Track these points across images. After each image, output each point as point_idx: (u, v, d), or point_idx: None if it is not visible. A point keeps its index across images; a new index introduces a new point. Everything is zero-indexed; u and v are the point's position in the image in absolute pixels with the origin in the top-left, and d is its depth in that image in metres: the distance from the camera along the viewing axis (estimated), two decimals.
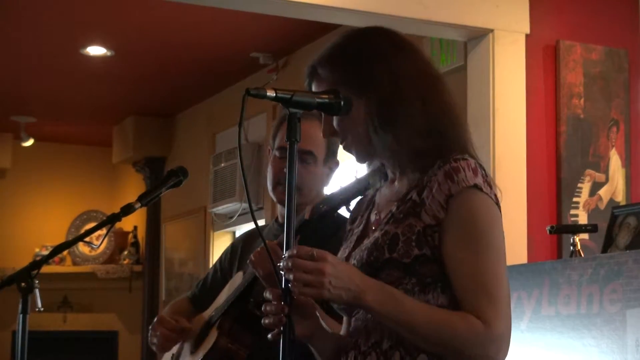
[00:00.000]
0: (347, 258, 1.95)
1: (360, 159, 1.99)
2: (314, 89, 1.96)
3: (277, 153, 2.84)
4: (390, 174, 2.01)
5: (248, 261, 2.59)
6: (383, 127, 1.89)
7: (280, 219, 2.94)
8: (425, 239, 1.83)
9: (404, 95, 1.89)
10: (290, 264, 1.75)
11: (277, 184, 2.83)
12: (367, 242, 1.91)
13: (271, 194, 2.87)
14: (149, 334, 2.97)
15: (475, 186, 1.84)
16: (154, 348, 2.96)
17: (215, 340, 2.78)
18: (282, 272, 1.79)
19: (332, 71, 1.93)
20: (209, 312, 2.97)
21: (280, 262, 1.80)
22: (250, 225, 4.51)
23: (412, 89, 1.90)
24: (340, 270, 1.76)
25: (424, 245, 1.83)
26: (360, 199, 2.13)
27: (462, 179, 1.83)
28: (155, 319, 2.96)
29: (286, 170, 2.74)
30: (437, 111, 1.91)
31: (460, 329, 1.78)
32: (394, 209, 1.91)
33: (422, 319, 1.78)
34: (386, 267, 1.83)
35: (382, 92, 1.89)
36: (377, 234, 1.89)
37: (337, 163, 2.87)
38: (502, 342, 1.80)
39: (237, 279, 2.88)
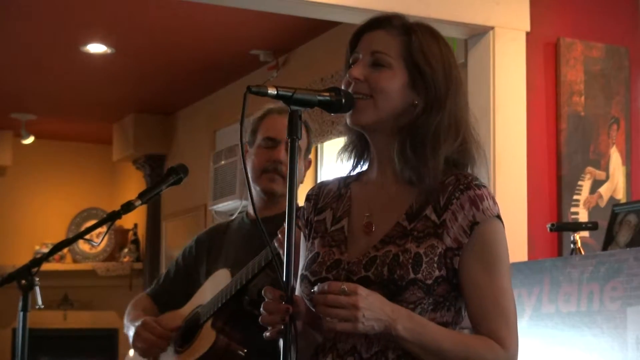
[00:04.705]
0: (351, 267, 1.91)
1: (362, 122, 1.96)
2: (369, 39, 2.06)
3: (262, 144, 2.88)
4: (374, 171, 2.00)
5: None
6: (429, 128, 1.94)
7: (252, 214, 2.95)
8: (445, 260, 1.89)
9: (453, 107, 1.97)
10: (322, 300, 1.78)
11: (262, 172, 2.86)
12: (381, 255, 1.89)
13: (254, 183, 2.88)
14: (132, 338, 2.89)
15: (498, 217, 1.92)
16: (137, 352, 2.91)
17: (215, 340, 2.75)
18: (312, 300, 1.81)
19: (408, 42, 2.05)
20: (187, 310, 2.92)
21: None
22: None
23: (459, 103, 1.98)
24: (372, 302, 1.79)
25: (443, 267, 1.89)
26: (320, 187, 2.10)
27: (486, 208, 1.90)
28: (140, 323, 2.88)
29: (272, 159, 2.82)
30: (467, 134, 1.99)
31: (484, 353, 1.86)
32: (405, 223, 1.92)
33: (449, 344, 1.84)
34: (410, 286, 1.86)
35: (436, 94, 1.95)
36: (391, 248, 1.89)
37: (310, 161, 2.93)
38: None
39: (221, 277, 2.83)
